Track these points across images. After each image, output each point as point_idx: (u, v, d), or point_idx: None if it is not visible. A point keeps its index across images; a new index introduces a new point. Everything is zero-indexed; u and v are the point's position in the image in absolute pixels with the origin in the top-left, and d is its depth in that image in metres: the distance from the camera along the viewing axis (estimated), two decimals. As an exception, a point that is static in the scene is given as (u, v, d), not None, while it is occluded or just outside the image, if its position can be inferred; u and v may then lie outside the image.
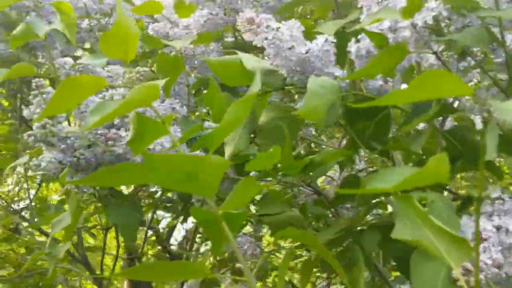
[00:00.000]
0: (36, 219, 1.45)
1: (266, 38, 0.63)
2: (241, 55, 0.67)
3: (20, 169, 1.98)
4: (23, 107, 1.51)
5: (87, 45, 1.44)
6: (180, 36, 1.23)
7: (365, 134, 0.64)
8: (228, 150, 0.64)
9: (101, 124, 0.45)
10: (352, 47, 0.66)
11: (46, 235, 1.53)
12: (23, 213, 1.54)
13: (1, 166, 1.43)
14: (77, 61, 0.91)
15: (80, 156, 0.80)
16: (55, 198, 3.03)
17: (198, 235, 1.63)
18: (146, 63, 1.53)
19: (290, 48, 0.63)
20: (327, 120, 0.59)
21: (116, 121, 0.80)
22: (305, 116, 0.54)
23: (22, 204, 1.89)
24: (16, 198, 1.99)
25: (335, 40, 0.66)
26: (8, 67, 1.29)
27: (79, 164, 0.81)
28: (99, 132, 0.79)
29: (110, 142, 0.78)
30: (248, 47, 0.94)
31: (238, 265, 1.68)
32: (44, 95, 0.75)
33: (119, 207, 0.83)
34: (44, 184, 2.15)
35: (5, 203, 1.69)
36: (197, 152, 0.84)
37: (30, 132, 0.79)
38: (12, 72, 0.82)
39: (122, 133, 0.79)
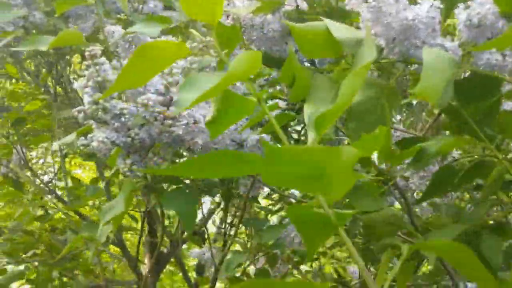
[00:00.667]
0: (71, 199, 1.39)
1: (366, 1, 0.53)
2: (328, 21, 0.58)
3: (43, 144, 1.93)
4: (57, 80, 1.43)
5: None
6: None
7: (474, 118, 0.55)
8: (311, 135, 0.55)
9: (198, 103, 0.37)
10: (460, 14, 0.56)
11: (79, 214, 1.47)
12: (54, 191, 1.47)
13: (37, 143, 1.37)
14: (127, 30, 0.83)
15: (134, 136, 0.72)
16: (77, 172, 3.00)
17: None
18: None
19: (391, 14, 0.54)
20: (442, 100, 0.49)
21: (175, 97, 0.71)
22: (423, 95, 0.45)
23: (46, 178, 1.84)
24: (39, 172, 1.94)
25: (441, 6, 0.56)
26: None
27: (133, 144, 0.73)
28: (156, 109, 0.70)
29: (168, 121, 0.70)
30: (315, 16, 0.85)
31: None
32: (97, 66, 0.67)
33: (177, 194, 0.75)
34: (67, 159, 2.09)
35: (32, 177, 1.64)
36: (264, 135, 0.75)
37: (79, 108, 0.71)
38: (59, 40, 0.73)
39: (184, 112, 0.70)
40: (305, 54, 0.59)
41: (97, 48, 0.66)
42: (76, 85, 0.69)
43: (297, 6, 0.96)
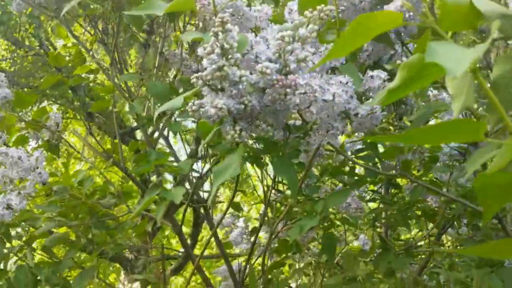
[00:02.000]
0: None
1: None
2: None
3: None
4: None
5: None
6: None
7: None
8: (456, 105, 0.57)
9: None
10: None
11: (132, 178, 1.48)
12: (111, 155, 1.48)
13: (97, 108, 1.37)
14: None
15: (248, 103, 0.73)
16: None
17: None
18: None
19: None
20: None
21: (292, 66, 0.72)
22: None
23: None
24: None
25: None
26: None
27: (245, 111, 0.74)
28: (274, 77, 0.72)
29: (287, 90, 0.71)
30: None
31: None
32: (226, 33, 0.67)
33: (283, 161, 0.77)
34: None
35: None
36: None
37: (197, 74, 0.72)
38: (174, 6, 0.74)
39: (301, 80, 0.71)
40: (445, 27, 0.60)
41: (227, 15, 0.66)
42: (199, 50, 0.70)
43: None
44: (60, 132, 1.77)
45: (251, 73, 0.77)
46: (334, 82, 0.74)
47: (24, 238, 1.49)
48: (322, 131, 0.75)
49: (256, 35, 0.84)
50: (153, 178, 1.76)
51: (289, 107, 0.74)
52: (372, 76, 0.80)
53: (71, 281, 1.43)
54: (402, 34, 0.95)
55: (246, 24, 0.84)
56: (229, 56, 0.69)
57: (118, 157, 1.41)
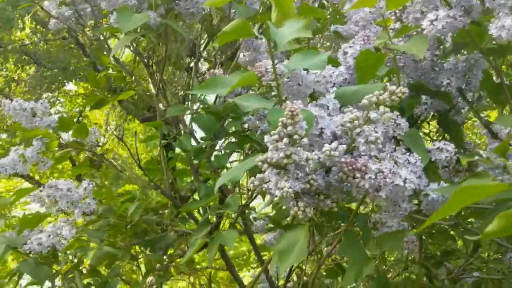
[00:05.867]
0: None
1: None
2: None
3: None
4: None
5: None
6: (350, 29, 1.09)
7: None
8: None
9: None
10: None
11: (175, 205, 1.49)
12: (158, 185, 1.49)
13: (147, 141, 1.36)
14: (290, 69, 0.80)
15: (313, 182, 0.72)
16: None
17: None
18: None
19: None
20: None
21: (362, 148, 0.70)
22: None
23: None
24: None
25: None
26: (155, 36, 1.18)
27: (310, 189, 0.73)
28: (343, 159, 0.70)
29: (357, 173, 0.69)
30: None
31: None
32: (296, 124, 0.66)
33: (354, 244, 0.76)
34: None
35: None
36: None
37: (263, 158, 0.71)
38: (240, 82, 0.73)
39: (371, 164, 0.69)
40: None
41: (298, 106, 0.65)
42: (266, 138, 0.69)
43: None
44: (102, 150, 1.78)
45: (312, 145, 0.75)
46: (403, 161, 0.72)
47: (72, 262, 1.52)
48: (389, 211, 0.73)
49: (316, 100, 0.83)
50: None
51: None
52: (439, 148, 0.77)
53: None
54: (464, 89, 0.92)
55: (305, 91, 0.82)
56: (297, 143, 0.68)
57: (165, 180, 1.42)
